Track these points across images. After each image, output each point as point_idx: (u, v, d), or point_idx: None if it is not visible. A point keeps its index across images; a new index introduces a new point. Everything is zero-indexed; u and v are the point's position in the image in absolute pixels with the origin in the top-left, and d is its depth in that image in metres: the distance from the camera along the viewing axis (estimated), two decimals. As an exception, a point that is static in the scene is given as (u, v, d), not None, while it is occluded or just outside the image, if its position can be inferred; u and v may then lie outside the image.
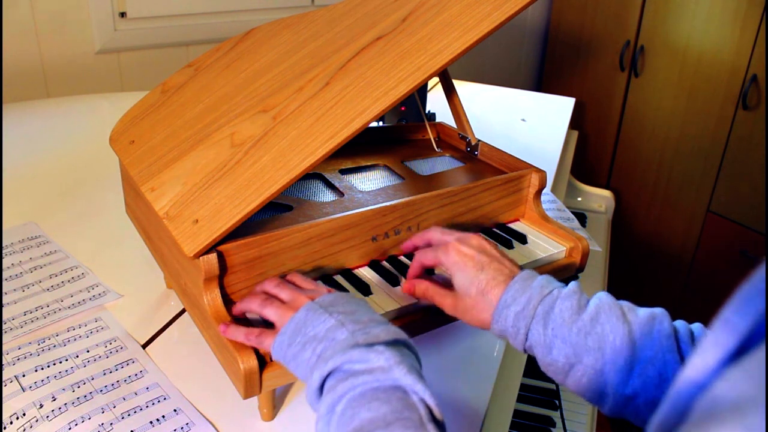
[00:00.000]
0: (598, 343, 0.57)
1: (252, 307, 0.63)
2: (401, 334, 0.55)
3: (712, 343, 0.30)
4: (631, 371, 0.56)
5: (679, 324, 0.59)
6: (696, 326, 0.59)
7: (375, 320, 0.56)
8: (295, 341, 0.56)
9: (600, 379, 0.57)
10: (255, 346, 0.60)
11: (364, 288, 0.70)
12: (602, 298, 0.60)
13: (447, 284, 0.67)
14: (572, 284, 0.62)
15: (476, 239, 0.66)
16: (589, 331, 0.57)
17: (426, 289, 0.67)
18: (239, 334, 0.61)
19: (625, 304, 0.60)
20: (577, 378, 0.58)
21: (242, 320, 0.65)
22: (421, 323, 0.70)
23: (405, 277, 0.73)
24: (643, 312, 0.59)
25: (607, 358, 0.56)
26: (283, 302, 0.61)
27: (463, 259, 0.64)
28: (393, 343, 0.53)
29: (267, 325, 0.63)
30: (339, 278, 0.72)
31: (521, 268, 0.65)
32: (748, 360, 0.26)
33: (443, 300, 0.65)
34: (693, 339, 0.57)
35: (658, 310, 0.59)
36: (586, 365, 0.57)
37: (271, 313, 0.60)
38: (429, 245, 0.71)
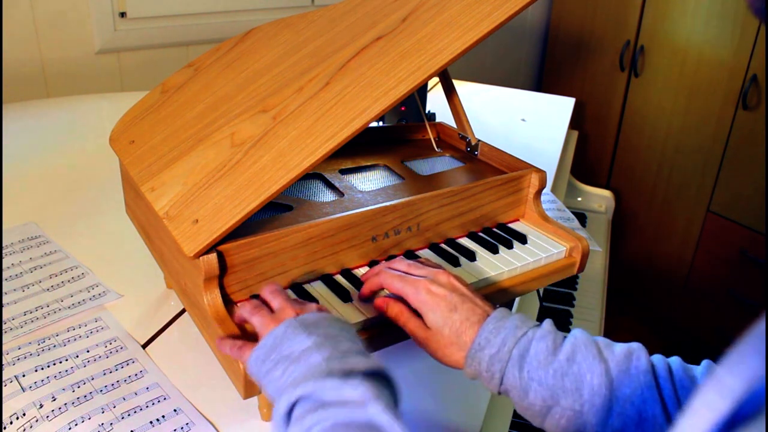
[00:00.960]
0: (575, 383, 0.55)
1: (244, 312, 0.61)
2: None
3: (703, 406, 0.28)
4: (610, 410, 0.54)
5: (656, 359, 0.57)
6: (674, 360, 0.58)
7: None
8: (269, 358, 0.53)
9: (579, 421, 0.55)
10: (235, 357, 0.58)
11: (364, 288, 0.70)
12: (577, 336, 0.59)
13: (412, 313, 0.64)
14: (546, 323, 0.60)
15: (445, 276, 0.64)
16: (566, 372, 0.56)
17: (400, 313, 0.64)
18: (226, 346, 0.59)
19: (601, 341, 0.59)
20: (555, 420, 0.56)
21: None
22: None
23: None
24: (620, 348, 0.58)
25: (585, 398, 0.55)
26: (272, 311, 0.60)
27: (434, 298, 0.62)
28: (370, 376, 0.50)
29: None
30: (339, 278, 0.72)
31: (495, 306, 0.63)
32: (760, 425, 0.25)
33: (415, 331, 0.62)
34: (672, 374, 0.56)
35: (635, 345, 0.58)
36: (564, 407, 0.55)
37: (256, 322, 0.58)
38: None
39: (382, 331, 0.66)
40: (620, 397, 0.54)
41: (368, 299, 0.68)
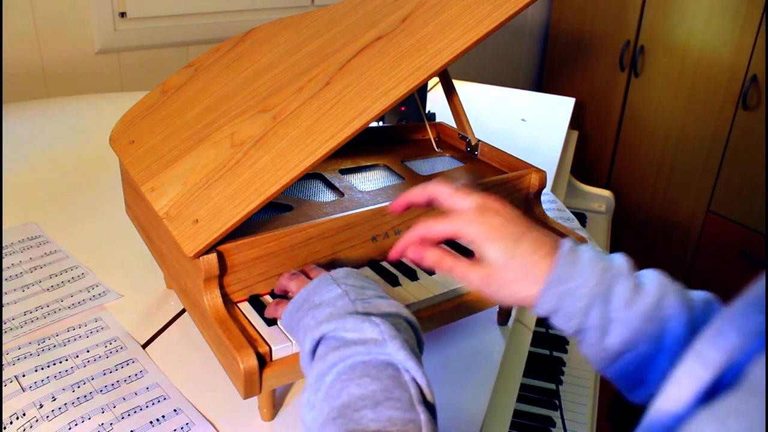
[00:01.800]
0: (659, 329, 0.51)
1: (281, 281, 0.65)
2: (403, 310, 0.52)
3: (686, 375, 0.29)
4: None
5: None
6: None
7: (380, 295, 0.54)
8: (302, 308, 0.56)
9: (647, 367, 0.52)
10: (272, 316, 0.62)
11: (364, 288, 0.70)
12: (661, 278, 0.53)
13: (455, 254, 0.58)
14: (620, 258, 0.54)
15: (496, 203, 0.56)
16: (653, 316, 0.51)
17: (442, 257, 0.56)
18: (270, 308, 0.63)
19: (677, 285, 0.54)
20: (623, 366, 0.52)
21: (260, 304, 0.65)
22: (420, 324, 0.70)
23: (405, 277, 0.73)
24: (698, 296, 0.54)
25: (663, 345, 0.51)
26: (307, 278, 0.63)
27: (490, 229, 0.54)
28: (392, 316, 0.50)
29: None
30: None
31: (559, 235, 0.58)
32: (719, 405, 0.26)
33: (468, 271, 0.55)
34: None
35: (710, 295, 0.54)
36: (639, 353, 0.51)
37: (292, 285, 0.62)
38: (428, 204, 0.60)
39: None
40: None
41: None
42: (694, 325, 0.51)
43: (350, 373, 0.46)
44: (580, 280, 0.52)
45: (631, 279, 0.52)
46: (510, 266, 0.53)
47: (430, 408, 0.45)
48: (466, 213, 0.56)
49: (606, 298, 0.51)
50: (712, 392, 0.28)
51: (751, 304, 0.28)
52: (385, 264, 0.75)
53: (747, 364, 0.26)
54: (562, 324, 0.54)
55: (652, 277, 0.53)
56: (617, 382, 0.54)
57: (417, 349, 0.51)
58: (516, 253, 0.53)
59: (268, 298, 0.68)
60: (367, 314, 0.50)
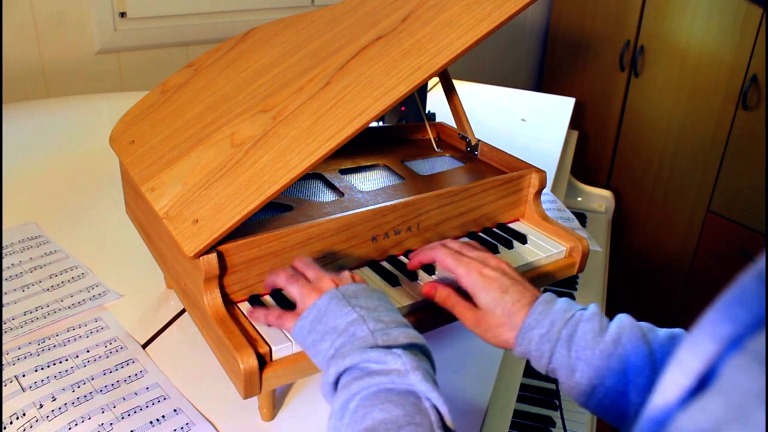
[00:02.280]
0: (620, 364, 0.58)
1: (278, 281, 0.64)
2: (419, 339, 0.55)
3: (669, 383, 0.30)
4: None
5: None
6: None
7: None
8: (316, 329, 0.57)
9: (622, 400, 0.57)
10: (276, 327, 0.62)
11: (364, 288, 0.70)
12: (623, 319, 0.61)
13: (457, 289, 0.68)
14: (592, 306, 0.62)
15: (495, 260, 0.68)
16: (612, 353, 0.58)
17: (448, 297, 0.67)
18: (260, 315, 0.62)
19: (645, 325, 0.61)
20: (599, 399, 0.58)
21: (280, 299, 0.67)
22: (420, 324, 0.70)
23: (405, 276, 0.73)
24: (663, 332, 0.60)
25: (629, 378, 0.57)
26: (308, 281, 0.62)
27: (486, 281, 0.65)
28: (410, 347, 0.54)
29: (284, 306, 0.65)
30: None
31: (542, 291, 0.66)
32: (708, 398, 0.27)
33: (465, 313, 0.66)
34: None
35: (678, 330, 0.60)
36: (608, 387, 0.58)
37: (294, 291, 0.62)
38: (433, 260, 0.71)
39: (427, 315, 0.69)
40: None
41: (413, 274, 0.73)
42: (655, 358, 0.57)
43: (374, 399, 0.49)
44: (547, 327, 0.61)
45: (595, 322, 0.60)
46: (496, 313, 0.64)
47: None
48: (471, 264, 0.67)
49: (570, 341, 0.60)
50: (704, 382, 0.29)
51: (722, 312, 0.30)
52: (385, 264, 0.75)
53: (720, 367, 0.28)
54: (536, 364, 0.62)
55: (616, 319, 0.61)
56: (605, 418, 0.60)
57: (434, 375, 0.54)
58: (501, 303, 0.64)
59: (268, 298, 0.68)
60: (388, 347, 0.53)
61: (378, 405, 0.48)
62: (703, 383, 0.29)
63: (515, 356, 0.64)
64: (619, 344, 0.58)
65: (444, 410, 0.48)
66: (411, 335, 0.55)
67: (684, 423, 0.27)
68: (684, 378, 0.29)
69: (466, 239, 0.72)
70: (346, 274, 0.63)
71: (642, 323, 0.61)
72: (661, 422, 0.30)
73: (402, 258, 0.77)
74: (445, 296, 0.67)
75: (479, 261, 0.67)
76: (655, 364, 0.57)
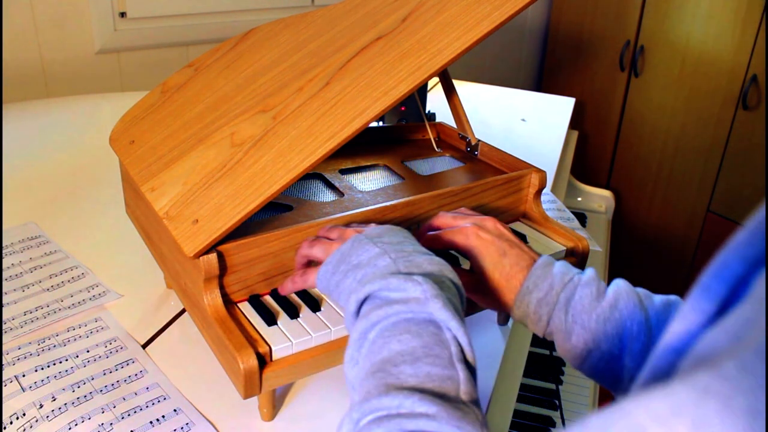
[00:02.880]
0: (616, 329, 0.58)
1: (302, 249, 0.64)
2: (445, 267, 0.54)
3: (691, 310, 0.30)
4: (648, 355, 0.56)
5: None
6: None
7: (420, 250, 0.56)
8: (339, 269, 0.56)
9: (616, 365, 0.58)
10: (302, 286, 0.62)
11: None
12: (620, 285, 0.61)
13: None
14: (590, 271, 0.62)
15: (491, 222, 0.66)
16: (608, 318, 0.58)
17: None
18: (287, 285, 0.62)
19: (642, 291, 0.61)
20: (593, 363, 0.59)
21: (280, 299, 0.67)
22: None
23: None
24: (659, 299, 0.60)
25: (624, 344, 0.57)
26: (331, 241, 0.62)
27: (483, 243, 0.64)
28: (434, 275, 0.52)
29: (284, 306, 0.66)
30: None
31: (538, 254, 0.65)
32: (725, 319, 0.27)
33: (462, 279, 0.63)
34: None
35: (673, 297, 0.60)
36: (603, 351, 0.58)
37: (317, 250, 0.61)
38: (437, 229, 0.70)
39: None
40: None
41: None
42: (651, 324, 0.58)
43: (392, 330, 0.47)
44: (546, 290, 0.61)
45: (593, 287, 0.60)
46: (494, 276, 0.63)
47: (470, 367, 0.46)
48: (466, 229, 0.65)
49: (568, 304, 0.60)
50: (714, 320, 0.29)
51: (752, 234, 0.30)
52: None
53: (752, 282, 0.28)
54: (534, 327, 0.62)
55: (613, 284, 0.61)
56: (599, 381, 0.60)
57: (460, 308, 0.52)
58: (500, 266, 0.63)
59: (268, 298, 0.68)
60: (410, 274, 0.51)
61: (396, 336, 0.46)
62: (724, 309, 0.29)
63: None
64: (615, 309, 0.59)
65: (464, 342, 0.47)
66: (435, 262, 0.53)
67: (710, 341, 0.27)
68: (708, 304, 0.29)
69: (462, 209, 0.72)
70: (372, 224, 0.63)
71: (639, 289, 0.61)
72: (680, 349, 0.29)
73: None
74: None
75: (476, 225, 0.66)
76: (650, 330, 0.58)
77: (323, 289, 0.59)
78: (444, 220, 0.70)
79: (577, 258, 0.82)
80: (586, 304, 0.59)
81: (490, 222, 0.67)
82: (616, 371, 0.58)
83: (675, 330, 0.31)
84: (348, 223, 0.67)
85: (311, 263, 0.65)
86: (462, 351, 0.46)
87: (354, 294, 0.52)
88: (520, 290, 0.62)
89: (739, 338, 0.25)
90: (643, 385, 0.32)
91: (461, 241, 0.65)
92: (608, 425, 0.24)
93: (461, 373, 0.44)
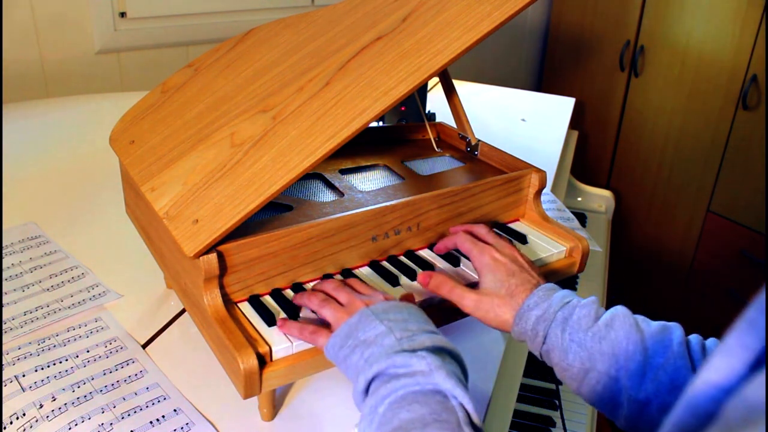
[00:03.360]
0: (611, 348, 0.59)
1: (311, 305, 0.65)
2: (446, 343, 0.56)
3: (737, 345, 0.29)
4: (644, 376, 0.57)
5: (692, 336, 0.61)
6: (710, 340, 0.60)
7: (423, 329, 0.58)
8: (347, 344, 0.58)
9: (614, 386, 0.59)
10: (308, 342, 0.63)
11: (364, 288, 0.70)
12: (617, 308, 0.63)
13: (458, 280, 0.70)
14: (591, 297, 0.65)
15: (510, 249, 0.71)
16: (604, 336, 0.60)
17: (443, 282, 0.69)
18: (294, 329, 0.63)
19: (639, 317, 0.63)
20: (591, 385, 0.60)
21: (280, 299, 0.67)
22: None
23: (405, 276, 0.73)
24: (656, 323, 0.62)
25: (620, 363, 0.58)
26: (340, 305, 0.63)
27: (495, 263, 0.68)
28: (437, 350, 0.55)
29: (285, 306, 0.67)
30: (339, 278, 0.72)
31: (546, 280, 0.68)
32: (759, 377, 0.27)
33: (464, 295, 0.67)
34: (704, 350, 0.59)
35: (672, 324, 0.61)
36: (600, 371, 0.59)
37: (328, 313, 0.63)
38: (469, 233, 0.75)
39: (429, 314, 0.67)
40: (654, 364, 0.58)
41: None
42: (646, 345, 0.59)
43: (401, 401, 0.49)
44: (544, 308, 0.63)
45: (591, 309, 0.63)
46: (501, 292, 0.67)
47: (477, 430, 0.48)
48: (486, 247, 0.70)
49: (565, 323, 0.62)
50: (760, 361, 0.29)
51: None
52: (385, 264, 0.75)
53: None
54: (531, 345, 0.65)
55: (611, 309, 0.63)
56: (597, 405, 0.61)
57: (462, 377, 0.55)
58: (506, 284, 0.67)
59: (268, 298, 0.68)
60: (413, 350, 0.54)
61: (405, 406, 0.49)
62: (760, 360, 0.29)
63: (515, 356, 0.65)
64: (611, 329, 0.60)
65: (470, 408, 0.49)
66: (437, 339, 0.56)
67: (760, 388, 0.26)
68: (757, 341, 0.29)
69: (487, 228, 0.76)
70: (379, 295, 0.65)
71: (636, 315, 0.63)
72: (724, 387, 0.29)
73: (402, 258, 0.77)
74: (439, 282, 0.69)
75: (495, 246, 0.71)
76: (646, 351, 0.58)
77: (330, 358, 0.61)
78: (479, 230, 0.75)
79: (577, 258, 0.82)
80: (583, 324, 0.61)
81: (508, 248, 0.72)
82: (614, 393, 0.59)
83: (718, 365, 0.30)
84: (353, 288, 0.69)
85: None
86: (468, 416, 0.49)
87: (362, 374, 0.54)
88: (521, 307, 0.65)
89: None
90: (678, 422, 0.31)
91: (477, 256, 0.70)
92: None
93: None
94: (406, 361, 0.52)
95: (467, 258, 0.73)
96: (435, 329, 0.59)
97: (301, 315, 0.66)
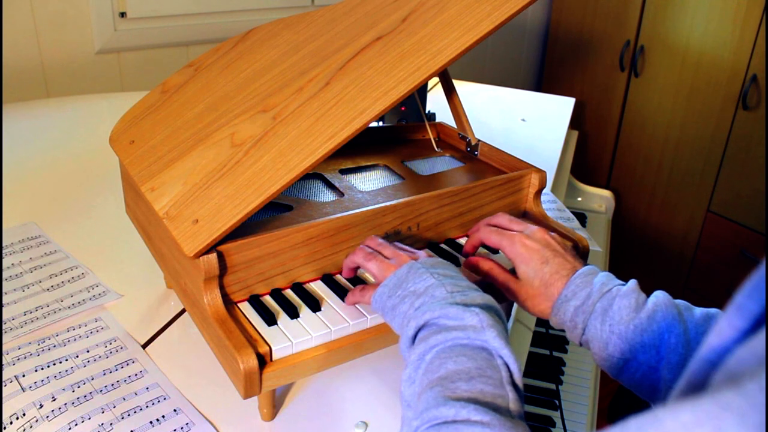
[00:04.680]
0: (653, 340, 0.58)
1: (356, 259, 0.66)
2: (494, 303, 0.57)
3: (727, 326, 0.32)
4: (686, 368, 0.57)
5: None
6: None
7: (472, 286, 0.58)
8: (396, 294, 0.59)
9: (654, 376, 0.58)
10: (359, 301, 0.65)
11: (364, 288, 0.70)
12: (659, 297, 0.62)
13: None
14: (631, 282, 0.63)
15: (541, 233, 0.69)
16: (646, 329, 0.59)
17: (491, 269, 0.69)
18: (349, 296, 0.66)
19: (682, 303, 0.62)
20: (631, 374, 0.59)
21: (280, 299, 0.67)
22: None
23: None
24: (699, 311, 0.61)
25: (661, 355, 0.58)
26: (385, 258, 0.64)
27: (528, 251, 0.67)
28: (487, 308, 0.55)
29: (285, 306, 0.67)
30: (339, 278, 0.72)
31: (585, 263, 0.67)
32: (753, 339, 0.29)
33: (507, 283, 0.68)
34: None
35: (714, 311, 0.61)
36: (640, 362, 0.59)
37: (373, 266, 0.64)
38: (493, 226, 0.74)
39: None
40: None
41: (471, 255, 0.75)
42: (689, 337, 0.58)
43: (449, 352, 0.50)
44: (583, 299, 0.62)
45: (632, 298, 0.61)
46: (535, 283, 0.66)
47: (519, 391, 0.49)
48: (515, 236, 0.68)
49: (605, 314, 0.61)
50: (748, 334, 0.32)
51: None
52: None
53: None
54: (570, 335, 0.64)
55: (653, 296, 0.62)
56: (637, 392, 0.61)
57: (508, 338, 0.55)
58: (540, 273, 0.65)
59: (268, 298, 0.68)
60: (467, 305, 0.54)
61: (452, 357, 0.49)
62: (758, 326, 0.31)
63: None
64: (653, 321, 0.59)
65: (514, 368, 0.50)
66: (487, 298, 0.56)
67: (739, 358, 0.29)
68: (742, 321, 0.31)
69: (508, 216, 0.75)
70: (423, 252, 0.65)
71: (679, 301, 0.62)
72: (714, 362, 0.32)
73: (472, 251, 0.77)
74: (487, 268, 0.70)
75: (524, 233, 0.69)
76: (689, 343, 0.58)
77: (377, 308, 0.61)
78: (500, 220, 0.73)
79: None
80: (624, 315, 0.60)
81: (539, 232, 0.69)
82: (653, 382, 0.58)
83: (710, 343, 0.32)
84: (395, 243, 0.70)
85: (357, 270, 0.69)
86: (511, 375, 0.50)
87: (414, 320, 0.55)
88: (558, 298, 0.64)
89: (761, 360, 0.27)
90: (679, 395, 0.34)
91: (507, 246, 0.68)
92: (643, 430, 0.27)
93: (511, 393, 0.47)
94: (459, 313, 0.53)
95: (496, 252, 0.73)
96: (480, 289, 0.59)
97: (301, 315, 0.66)
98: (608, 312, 0.60)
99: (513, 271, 0.69)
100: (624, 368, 0.60)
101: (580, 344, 0.64)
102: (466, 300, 0.55)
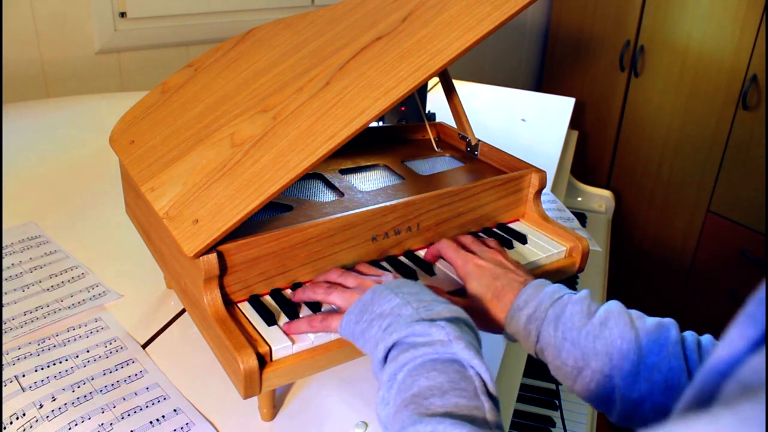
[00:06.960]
0: (605, 347, 0.58)
1: (316, 295, 0.65)
2: (462, 313, 0.57)
3: (737, 336, 0.32)
4: (638, 376, 0.57)
5: (688, 334, 0.60)
6: (705, 337, 0.60)
7: (438, 300, 0.58)
8: (362, 319, 0.58)
9: (608, 384, 0.58)
10: (321, 331, 0.63)
11: (364, 288, 0.70)
12: (611, 305, 0.62)
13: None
14: (583, 291, 0.64)
15: (492, 254, 0.71)
16: (598, 335, 0.59)
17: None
18: (302, 325, 0.63)
19: (634, 312, 0.62)
20: (585, 383, 0.59)
21: (280, 299, 0.67)
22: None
23: (405, 277, 0.73)
24: (651, 320, 0.61)
25: (614, 362, 0.58)
26: (347, 288, 0.64)
27: (479, 270, 0.68)
28: (454, 321, 0.55)
29: (285, 306, 0.66)
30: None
31: (534, 278, 0.67)
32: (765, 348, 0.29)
33: (457, 302, 0.67)
34: (700, 348, 0.58)
35: (667, 320, 0.61)
36: (593, 370, 0.59)
37: (337, 298, 0.63)
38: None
39: None
40: (648, 363, 0.57)
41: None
42: (641, 344, 0.58)
43: (420, 369, 0.50)
44: (535, 307, 0.63)
45: (583, 305, 0.62)
46: (487, 297, 0.67)
47: (494, 400, 0.50)
48: (468, 256, 0.71)
49: (557, 321, 0.61)
50: (759, 344, 0.32)
51: None
52: (384, 264, 0.75)
53: None
54: (525, 345, 0.64)
55: (605, 304, 0.62)
56: (590, 402, 0.61)
57: (478, 347, 0.55)
58: (492, 287, 0.67)
59: (268, 298, 0.68)
60: (432, 320, 0.54)
61: (424, 373, 0.50)
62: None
63: (515, 356, 0.65)
64: (605, 327, 0.59)
65: (487, 377, 0.50)
66: (453, 310, 0.57)
67: (753, 367, 0.29)
68: (753, 330, 0.31)
69: (482, 235, 0.77)
70: (388, 275, 0.65)
71: (631, 310, 0.62)
72: (725, 372, 0.31)
73: (402, 258, 0.77)
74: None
75: (477, 253, 0.71)
76: (641, 350, 0.58)
77: (346, 336, 0.61)
78: (464, 240, 0.76)
79: (577, 258, 0.82)
80: (576, 321, 0.60)
81: (492, 253, 0.71)
82: (608, 391, 0.58)
83: (721, 354, 0.32)
84: (359, 272, 0.70)
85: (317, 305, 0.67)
86: (485, 385, 0.50)
87: (382, 342, 0.55)
88: (510, 308, 0.64)
89: None
90: (687, 407, 0.33)
91: (460, 265, 0.70)
92: None
93: (486, 404, 0.48)
94: (425, 330, 0.53)
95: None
96: (447, 300, 0.59)
97: (301, 315, 0.66)
98: (560, 318, 0.61)
99: (462, 292, 0.70)
100: (578, 377, 0.60)
101: (535, 354, 0.64)
102: (432, 315, 0.55)
